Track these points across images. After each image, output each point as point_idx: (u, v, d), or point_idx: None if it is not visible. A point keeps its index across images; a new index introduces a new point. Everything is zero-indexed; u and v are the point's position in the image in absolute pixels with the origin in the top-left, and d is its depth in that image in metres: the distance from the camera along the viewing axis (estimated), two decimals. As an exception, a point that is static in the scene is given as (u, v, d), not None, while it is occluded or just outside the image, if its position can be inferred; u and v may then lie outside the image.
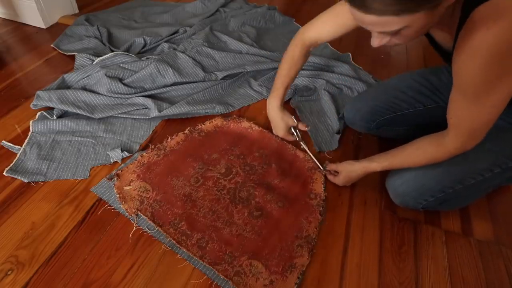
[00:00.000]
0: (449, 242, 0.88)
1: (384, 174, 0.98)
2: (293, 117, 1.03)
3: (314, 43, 0.95)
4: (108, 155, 1.04)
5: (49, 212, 0.90)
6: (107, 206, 0.91)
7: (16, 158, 1.00)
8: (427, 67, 1.53)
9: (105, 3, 1.97)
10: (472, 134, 0.70)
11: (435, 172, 0.81)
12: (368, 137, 1.15)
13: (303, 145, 1.06)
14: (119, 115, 1.16)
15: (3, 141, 1.06)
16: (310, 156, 1.05)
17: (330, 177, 0.99)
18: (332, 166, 0.99)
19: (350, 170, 0.93)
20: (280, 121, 1.03)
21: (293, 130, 1.05)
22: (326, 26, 0.91)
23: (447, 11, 0.60)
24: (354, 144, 1.14)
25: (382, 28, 0.56)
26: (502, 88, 0.60)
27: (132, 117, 1.16)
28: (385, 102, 1.01)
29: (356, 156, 1.10)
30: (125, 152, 1.04)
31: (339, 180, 0.97)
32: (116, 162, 1.03)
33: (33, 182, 0.96)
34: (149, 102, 1.18)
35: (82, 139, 1.08)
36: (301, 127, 1.03)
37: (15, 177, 0.96)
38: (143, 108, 1.19)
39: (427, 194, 0.83)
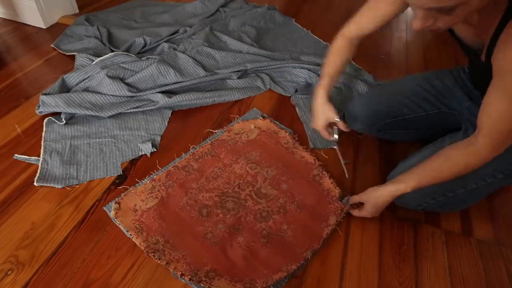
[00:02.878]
0: (449, 242, 0.88)
1: (385, 174, 0.98)
2: (337, 113, 0.95)
3: (356, 36, 0.93)
4: (139, 146, 1.06)
5: (49, 212, 0.90)
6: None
7: (39, 167, 0.99)
8: (427, 67, 1.53)
9: (105, 3, 1.97)
10: (505, 138, 0.66)
11: None
12: (368, 137, 1.15)
13: (336, 147, 1.01)
14: (128, 111, 1.17)
15: (16, 155, 1.04)
16: (340, 160, 1.01)
17: (355, 212, 0.90)
18: (355, 198, 0.89)
19: (376, 197, 0.83)
20: (320, 113, 0.96)
21: (333, 128, 0.99)
22: (364, 19, 0.90)
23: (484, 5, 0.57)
24: (354, 144, 1.13)
25: (438, 3, 0.52)
26: None
27: (142, 110, 1.18)
28: (387, 107, 1.01)
29: (356, 156, 1.09)
30: (154, 147, 1.07)
31: (367, 212, 0.87)
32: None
33: (68, 187, 0.96)
34: (155, 96, 1.20)
35: (100, 139, 1.09)
36: (341, 126, 0.95)
37: (47, 185, 0.95)
38: (151, 102, 1.21)
39: (428, 197, 0.83)
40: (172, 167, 1.02)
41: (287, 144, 1.09)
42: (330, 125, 0.99)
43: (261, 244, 0.84)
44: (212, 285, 0.76)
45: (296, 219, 0.90)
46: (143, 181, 0.98)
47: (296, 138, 1.12)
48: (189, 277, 0.77)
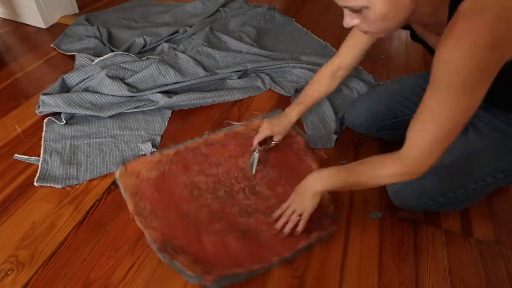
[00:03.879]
0: (449, 242, 0.88)
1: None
2: (278, 139, 1.00)
3: (339, 66, 0.95)
4: (139, 146, 1.07)
5: (49, 212, 0.90)
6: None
7: (39, 167, 0.99)
8: (427, 67, 1.53)
9: (105, 3, 1.97)
10: (434, 144, 0.62)
11: (437, 176, 0.81)
12: (368, 137, 1.15)
13: (254, 156, 1.01)
14: (128, 111, 1.17)
15: (16, 155, 1.04)
16: (253, 162, 1.01)
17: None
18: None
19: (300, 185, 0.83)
20: (278, 127, 0.98)
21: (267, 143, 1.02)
22: (344, 49, 0.93)
23: (431, 14, 0.60)
24: (354, 144, 1.14)
25: (345, 2, 0.58)
26: (478, 87, 0.56)
27: (142, 110, 1.18)
28: (387, 107, 1.01)
29: (356, 156, 1.09)
30: (154, 147, 1.07)
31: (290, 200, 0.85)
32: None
33: (68, 187, 0.96)
34: (155, 96, 1.20)
35: (100, 140, 1.09)
36: (272, 146, 1.01)
37: (47, 185, 0.95)
38: (151, 102, 1.21)
39: (427, 198, 0.83)
40: (183, 147, 1.05)
41: (298, 150, 1.07)
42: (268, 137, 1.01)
43: (235, 237, 0.84)
44: (174, 259, 0.78)
45: None
46: (154, 153, 1.03)
47: (311, 147, 1.09)
48: (158, 245, 0.80)
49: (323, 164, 1.04)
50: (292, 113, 0.98)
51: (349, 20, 0.63)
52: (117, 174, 0.95)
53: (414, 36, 0.81)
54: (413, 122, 0.64)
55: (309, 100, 0.98)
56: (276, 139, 1.01)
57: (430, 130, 0.61)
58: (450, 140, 0.61)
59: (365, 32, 0.64)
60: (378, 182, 0.72)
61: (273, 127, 0.98)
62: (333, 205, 0.91)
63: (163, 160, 1.01)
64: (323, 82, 0.97)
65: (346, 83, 1.34)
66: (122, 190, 0.92)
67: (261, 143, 1.01)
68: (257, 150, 1.01)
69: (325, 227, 0.87)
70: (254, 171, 1.00)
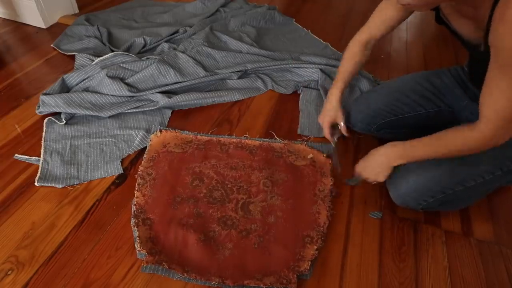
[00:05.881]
0: (449, 242, 0.88)
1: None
2: (343, 118, 1.01)
3: (369, 40, 0.99)
4: (136, 140, 1.08)
5: (49, 212, 0.90)
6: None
7: (40, 168, 0.99)
8: (427, 67, 1.53)
9: (105, 3, 1.97)
10: (509, 118, 0.63)
11: (436, 172, 0.81)
12: (368, 137, 1.14)
13: (333, 146, 1.04)
14: (128, 111, 1.17)
15: (16, 155, 1.04)
16: (336, 160, 1.02)
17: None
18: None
19: (371, 153, 0.86)
20: (330, 112, 1.02)
21: (335, 129, 1.04)
22: (373, 24, 0.96)
23: None
24: (354, 144, 1.13)
25: None
26: None
27: (142, 110, 1.18)
28: (387, 105, 1.01)
29: (356, 156, 1.09)
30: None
31: (358, 166, 0.89)
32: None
33: (69, 186, 0.96)
34: (155, 96, 1.20)
35: (101, 139, 1.09)
36: (343, 130, 1.02)
37: (48, 185, 0.95)
38: (151, 102, 1.21)
39: (427, 195, 0.83)
40: (216, 139, 1.10)
41: (320, 191, 0.97)
42: (333, 126, 1.04)
43: (197, 239, 0.84)
44: (137, 228, 0.85)
45: (244, 250, 0.83)
46: (190, 133, 1.11)
47: (334, 194, 0.97)
48: (135, 209, 0.89)
49: (322, 170, 1.04)
50: (335, 93, 1.01)
51: None
52: (151, 136, 1.07)
53: (439, 19, 0.83)
54: (484, 97, 0.65)
55: (346, 76, 1.01)
56: (341, 122, 1.01)
57: (503, 108, 0.62)
58: None
59: (408, 4, 0.64)
60: (456, 154, 0.74)
61: (325, 115, 1.02)
62: (310, 263, 0.80)
63: (192, 142, 1.08)
64: (357, 54, 1.00)
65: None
66: (146, 150, 1.04)
67: (332, 134, 1.03)
68: (332, 143, 1.04)
69: (284, 280, 0.77)
70: (338, 166, 1.01)
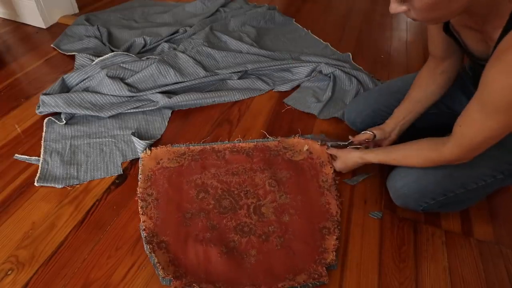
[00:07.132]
0: (449, 242, 0.88)
1: (385, 174, 0.98)
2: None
3: (436, 63, 0.92)
4: (135, 144, 1.06)
5: (49, 212, 0.90)
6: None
7: (40, 168, 0.99)
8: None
9: (105, 3, 1.97)
10: (473, 147, 0.68)
11: (438, 175, 0.81)
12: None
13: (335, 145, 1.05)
14: (128, 111, 1.17)
15: (16, 155, 1.04)
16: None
17: (331, 160, 1.02)
18: (332, 151, 1.01)
19: (347, 157, 0.95)
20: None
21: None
22: (431, 44, 0.90)
23: (487, 10, 0.58)
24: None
25: None
26: None
27: (142, 110, 1.18)
28: (386, 105, 1.01)
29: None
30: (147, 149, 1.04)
31: (336, 164, 0.99)
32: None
33: (69, 186, 0.96)
34: (155, 96, 1.20)
35: (100, 139, 1.09)
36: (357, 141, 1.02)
37: (48, 185, 0.95)
38: (151, 102, 1.21)
39: (428, 197, 0.83)
40: (210, 147, 1.07)
41: (323, 182, 0.98)
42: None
43: (219, 252, 0.81)
44: (154, 253, 0.80)
45: (268, 254, 0.83)
46: (182, 145, 1.07)
47: (337, 182, 0.99)
48: (146, 234, 0.84)
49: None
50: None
51: (395, 6, 0.60)
52: (142, 154, 1.02)
53: (447, 29, 0.79)
54: (459, 121, 0.69)
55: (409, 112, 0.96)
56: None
57: (470, 137, 0.68)
58: (495, 140, 0.66)
59: (414, 20, 0.63)
60: (417, 165, 0.81)
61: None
62: (335, 253, 0.82)
63: (186, 154, 1.04)
64: (427, 87, 0.94)
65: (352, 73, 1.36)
66: (140, 171, 0.98)
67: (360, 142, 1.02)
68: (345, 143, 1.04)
69: (316, 275, 0.78)
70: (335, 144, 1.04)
